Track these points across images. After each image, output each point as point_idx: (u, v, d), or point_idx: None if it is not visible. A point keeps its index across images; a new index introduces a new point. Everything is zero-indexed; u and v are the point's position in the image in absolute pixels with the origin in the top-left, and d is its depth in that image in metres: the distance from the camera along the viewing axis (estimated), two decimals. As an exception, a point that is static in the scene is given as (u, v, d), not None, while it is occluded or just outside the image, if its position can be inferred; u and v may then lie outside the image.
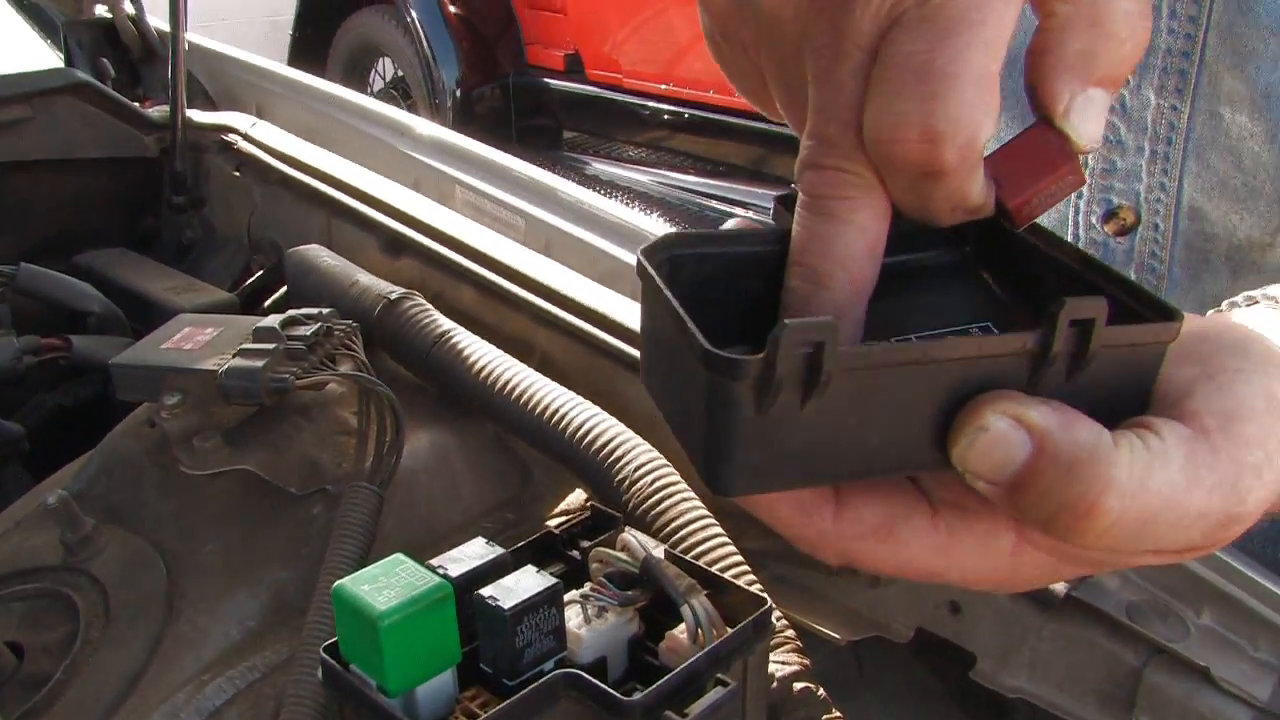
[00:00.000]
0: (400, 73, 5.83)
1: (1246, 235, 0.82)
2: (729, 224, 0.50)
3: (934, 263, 0.54)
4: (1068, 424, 0.43)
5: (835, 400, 0.42)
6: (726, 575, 0.80)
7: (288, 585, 0.92)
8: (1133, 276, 0.89)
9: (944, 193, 0.44)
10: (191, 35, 1.76)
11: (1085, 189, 0.87)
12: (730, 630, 0.73)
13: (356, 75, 6.05)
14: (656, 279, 0.47)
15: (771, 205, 0.52)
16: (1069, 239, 0.89)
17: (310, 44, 6.20)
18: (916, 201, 0.44)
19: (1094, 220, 0.88)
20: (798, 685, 0.87)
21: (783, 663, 0.87)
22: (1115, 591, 0.86)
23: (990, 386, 0.44)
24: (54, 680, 0.87)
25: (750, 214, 4.16)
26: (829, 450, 0.44)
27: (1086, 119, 0.45)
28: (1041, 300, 0.46)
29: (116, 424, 1.10)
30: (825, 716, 0.87)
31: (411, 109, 5.62)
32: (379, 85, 6.01)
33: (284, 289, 1.43)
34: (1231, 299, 0.57)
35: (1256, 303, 0.56)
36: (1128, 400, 0.46)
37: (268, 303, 1.47)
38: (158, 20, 1.93)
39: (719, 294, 0.49)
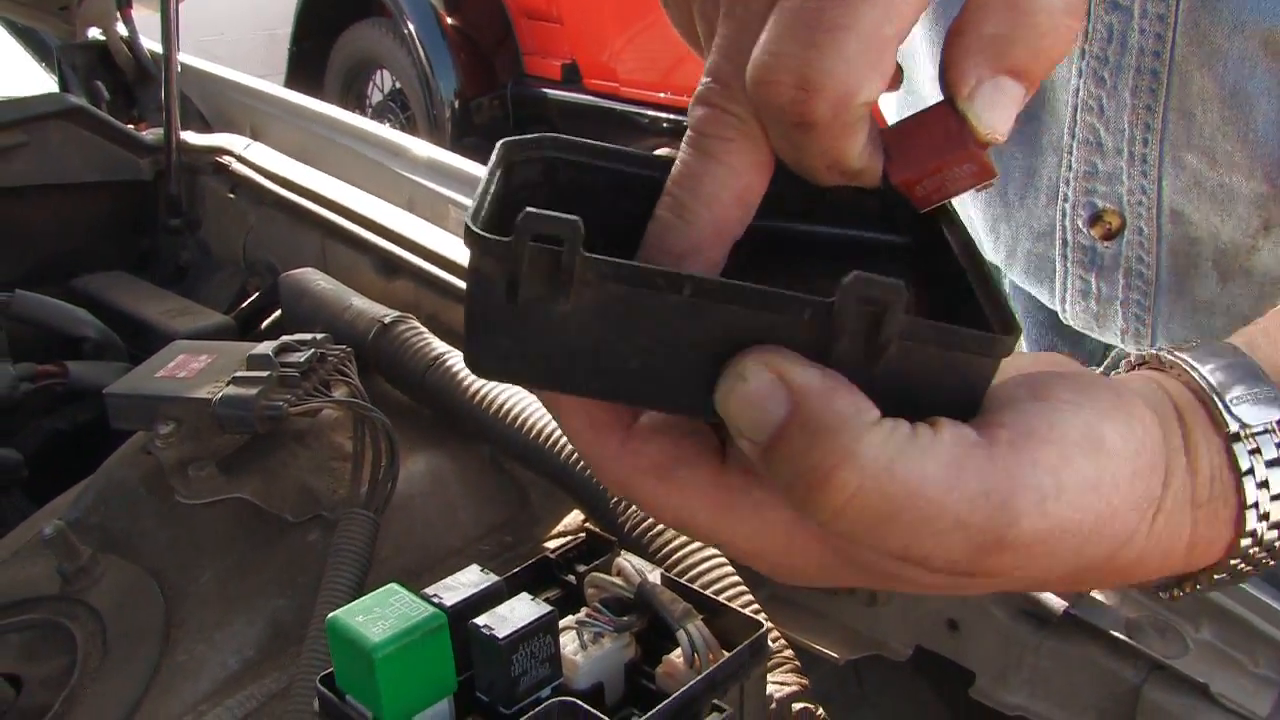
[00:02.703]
0: (398, 85, 5.83)
1: (1230, 238, 0.82)
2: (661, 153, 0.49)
3: (871, 244, 0.52)
4: (829, 391, 0.41)
5: (588, 308, 0.41)
6: (723, 597, 0.80)
7: (285, 613, 0.92)
8: (1121, 282, 0.88)
9: (818, 148, 0.42)
10: (185, 57, 1.77)
11: (1070, 192, 0.86)
12: (727, 655, 0.73)
13: (354, 88, 6.06)
14: (492, 162, 0.48)
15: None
16: (1059, 244, 0.89)
17: (308, 57, 6.21)
18: (793, 153, 0.43)
19: (1080, 224, 0.87)
20: (796, 706, 0.87)
21: (781, 683, 0.87)
22: (1114, 608, 0.86)
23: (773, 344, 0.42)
24: (52, 713, 0.87)
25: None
26: (583, 360, 0.43)
27: (991, 107, 0.43)
28: (938, 297, 0.45)
29: (114, 449, 1.10)
30: (825, 737, 0.87)
31: (410, 121, 5.63)
32: (377, 98, 6.01)
33: (279, 312, 1.42)
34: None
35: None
36: (948, 407, 0.43)
37: (264, 325, 1.47)
38: (151, 42, 1.94)
39: (597, 209, 0.46)
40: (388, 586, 0.68)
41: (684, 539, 0.92)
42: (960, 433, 0.42)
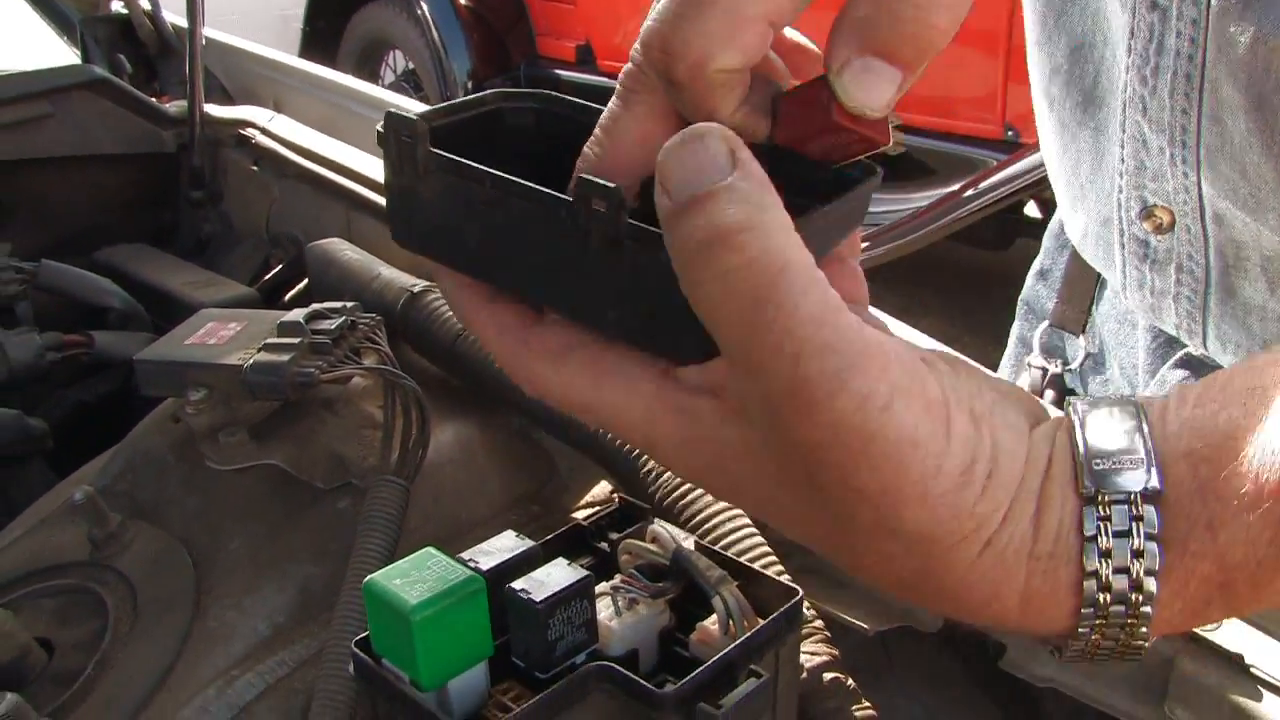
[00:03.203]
0: (411, 65, 5.82)
1: (1273, 248, 0.81)
2: None
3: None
4: (768, 184, 0.43)
5: (438, 194, 0.50)
6: (755, 566, 0.79)
7: (315, 580, 0.92)
8: (1173, 277, 0.87)
9: (690, 103, 0.47)
10: (208, 30, 1.76)
11: (1123, 185, 0.86)
12: (762, 621, 0.73)
13: (367, 68, 6.05)
14: (475, 98, 0.56)
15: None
16: (1117, 232, 0.88)
17: (321, 37, 6.20)
18: (680, 106, 0.48)
19: (1133, 215, 0.87)
20: (827, 675, 0.87)
21: (812, 653, 0.87)
22: (1147, 579, 0.86)
23: (555, 249, 0.48)
24: (84, 676, 0.87)
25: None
26: (447, 238, 0.52)
27: (858, 84, 0.46)
28: None
29: (137, 419, 1.10)
30: (854, 707, 0.87)
31: (423, 101, 5.62)
32: (390, 78, 6.01)
33: (305, 283, 1.42)
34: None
35: None
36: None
37: (288, 296, 1.47)
38: (173, 16, 1.93)
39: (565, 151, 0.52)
40: (424, 550, 0.68)
41: (716, 508, 0.92)
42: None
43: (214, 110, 1.71)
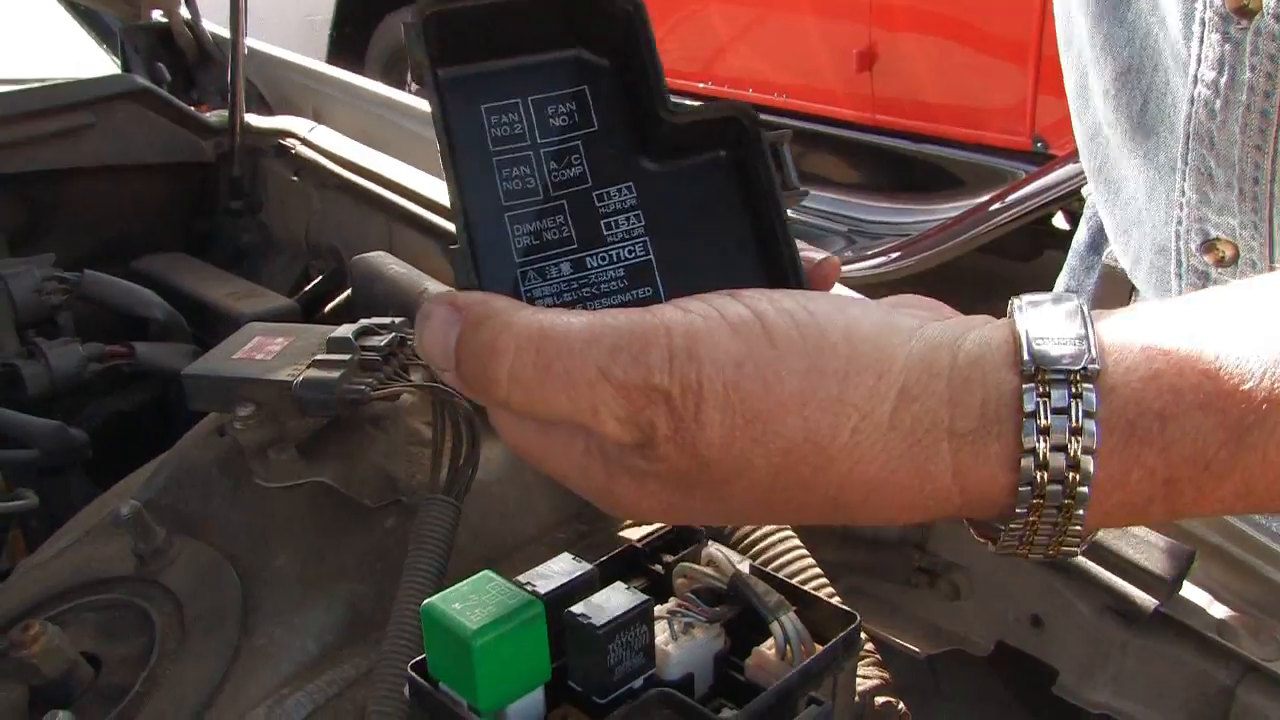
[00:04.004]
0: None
1: None
2: None
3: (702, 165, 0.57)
4: (488, 297, 0.49)
5: None
6: (808, 589, 0.79)
7: (363, 599, 0.92)
8: None
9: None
10: (249, 40, 1.77)
11: (1184, 216, 0.83)
12: (820, 647, 0.72)
13: (394, 74, 6.05)
14: None
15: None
16: (1174, 263, 0.86)
17: (348, 43, 6.21)
18: None
19: (1193, 248, 0.84)
20: (879, 700, 0.86)
21: (864, 676, 0.86)
22: (1204, 608, 0.85)
23: None
24: (133, 693, 0.86)
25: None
26: None
27: None
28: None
29: (175, 429, 1.10)
30: (906, 731, 0.86)
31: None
32: (416, 86, 6.02)
33: (345, 294, 1.42)
34: None
35: None
36: None
37: (329, 308, 1.47)
38: (211, 25, 1.94)
39: None
40: (483, 574, 0.68)
41: (766, 529, 0.91)
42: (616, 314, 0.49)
43: (254, 120, 1.71)
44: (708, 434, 0.47)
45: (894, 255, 3.30)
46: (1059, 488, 0.46)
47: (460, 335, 0.48)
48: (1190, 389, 0.45)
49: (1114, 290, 1.05)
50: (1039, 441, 0.46)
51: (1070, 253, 1.16)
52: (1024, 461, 0.46)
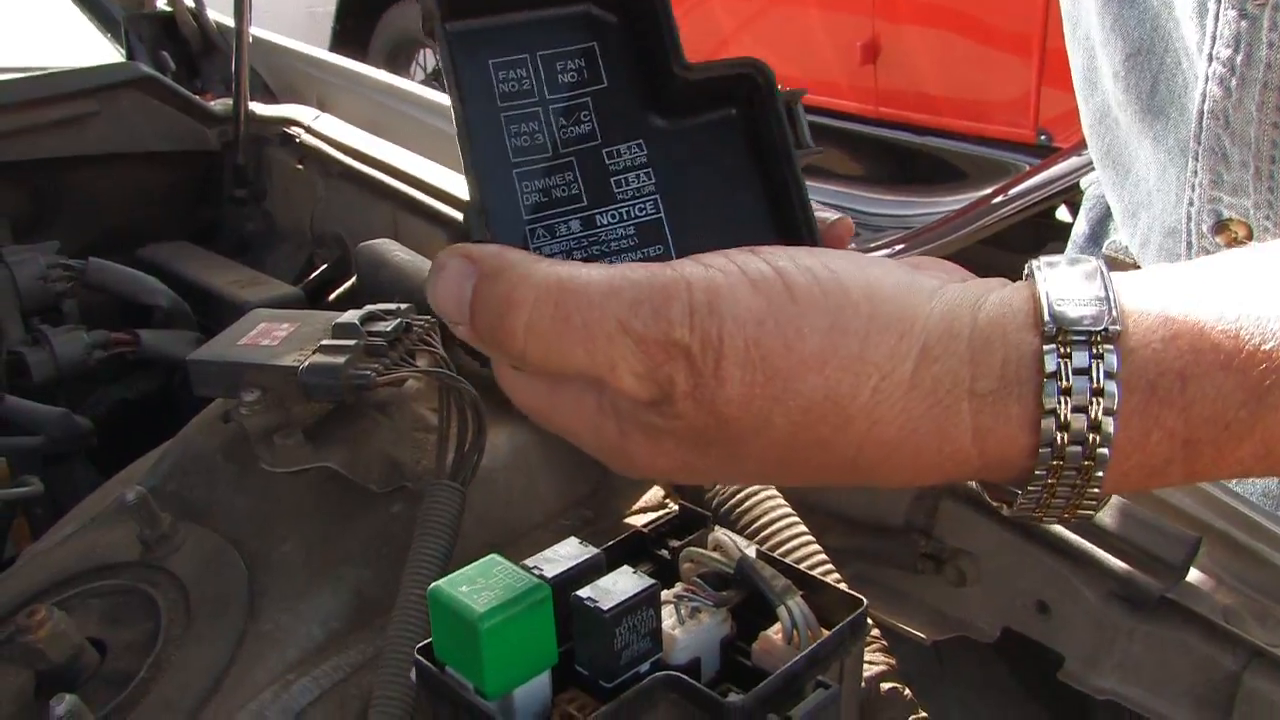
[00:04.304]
0: (440, 64, 5.83)
1: None
2: None
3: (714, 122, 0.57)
4: (502, 250, 0.49)
5: None
6: (814, 574, 0.79)
7: (369, 584, 0.92)
8: None
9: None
10: (253, 29, 1.76)
11: (1195, 198, 0.83)
12: (827, 632, 0.72)
13: (397, 66, 6.06)
14: None
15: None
16: (1184, 245, 0.86)
17: (351, 35, 6.21)
18: None
19: (1204, 229, 0.84)
20: (885, 685, 0.86)
21: (870, 662, 0.86)
22: (1210, 593, 0.85)
23: None
24: (139, 678, 0.86)
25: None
26: None
27: None
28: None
29: (178, 416, 1.10)
30: (912, 717, 0.86)
31: (452, 100, 5.62)
32: (419, 76, 6.01)
33: (350, 282, 1.42)
34: None
35: None
36: None
37: (333, 295, 1.47)
38: (215, 13, 1.94)
39: None
40: (489, 557, 0.68)
41: (774, 515, 0.91)
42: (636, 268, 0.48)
43: (259, 108, 1.71)
44: (727, 390, 0.46)
45: (898, 248, 3.29)
46: (1079, 449, 0.46)
47: (476, 287, 0.48)
48: (1210, 349, 0.45)
49: None
50: (1060, 402, 0.46)
51: (1069, 244, 1.16)
52: (1044, 423, 0.46)
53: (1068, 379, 0.46)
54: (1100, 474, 0.47)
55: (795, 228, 0.55)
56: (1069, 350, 0.46)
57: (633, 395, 0.48)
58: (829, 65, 4.14)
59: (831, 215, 0.56)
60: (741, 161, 0.56)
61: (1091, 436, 0.46)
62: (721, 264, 0.48)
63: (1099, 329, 0.46)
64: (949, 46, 3.80)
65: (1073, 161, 3.16)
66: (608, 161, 0.55)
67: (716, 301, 0.46)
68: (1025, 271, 0.50)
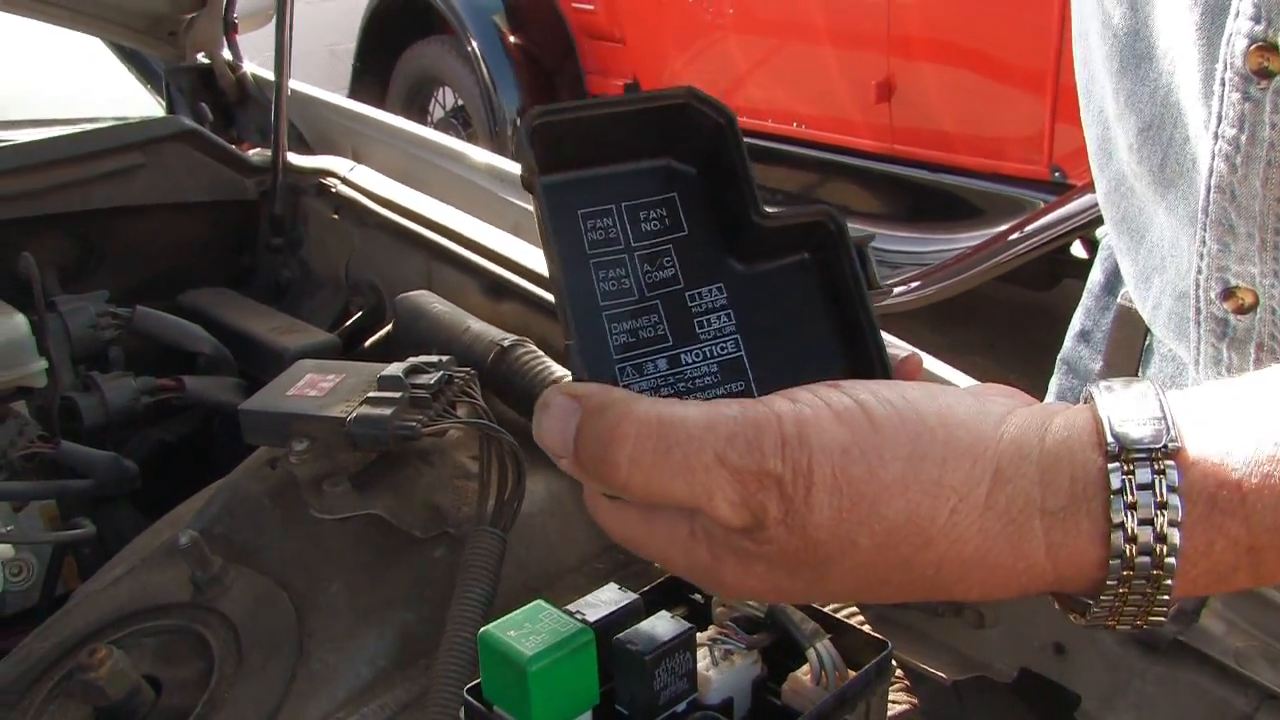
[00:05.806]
0: (460, 102, 5.87)
1: None
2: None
3: (788, 266, 0.61)
4: (605, 388, 0.52)
5: None
6: (838, 616, 0.82)
7: (414, 626, 0.95)
8: (1252, 355, 0.87)
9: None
10: (290, 82, 1.81)
11: (1204, 265, 0.85)
12: (854, 673, 0.75)
13: (417, 104, 6.11)
14: None
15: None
16: (1193, 310, 0.89)
17: (372, 73, 6.27)
18: None
19: (1213, 295, 0.86)
20: (907, 724, 0.89)
21: (893, 701, 0.89)
22: (1222, 636, 0.88)
23: None
24: (194, 715, 0.90)
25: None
26: None
27: None
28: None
29: (217, 459, 1.13)
30: (934, 755, 0.89)
31: (471, 138, 5.66)
32: (439, 114, 6.07)
33: (386, 330, 1.46)
34: None
35: None
36: None
37: (369, 343, 1.51)
38: (250, 65, 1.99)
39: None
40: (535, 603, 0.71)
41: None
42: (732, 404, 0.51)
43: (295, 159, 1.75)
44: (816, 516, 0.49)
45: (913, 285, 3.31)
46: (1147, 559, 0.49)
47: (581, 423, 0.51)
48: (1266, 460, 0.48)
49: (1129, 331, 1.07)
50: (1127, 516, 0.49)
51: (1085, 293, 1.18)
52: (1113, 536, 0.49)
53: (1133, 494, 0.49)
54: (1169, 582, 0.50)
55: (869, 362, 0.59)
56: (1132, 468, 0.49)
57: (727, 523, 0.51)
58: (844, 103, 4.17)
59: (903, 351, 0.60)
60: (815, 301, 0.60)
61: (1159, 547, 0.49)
62: (808, 398, 0.51)
63: (1159, 445, 0.49)
64: (963, 84, 3.82)
65: (1087, 199, 3.17)
66: (690, 304, 0.59)
67: (805, 433, 0.50)
68: (1083, 396, 0.54)
